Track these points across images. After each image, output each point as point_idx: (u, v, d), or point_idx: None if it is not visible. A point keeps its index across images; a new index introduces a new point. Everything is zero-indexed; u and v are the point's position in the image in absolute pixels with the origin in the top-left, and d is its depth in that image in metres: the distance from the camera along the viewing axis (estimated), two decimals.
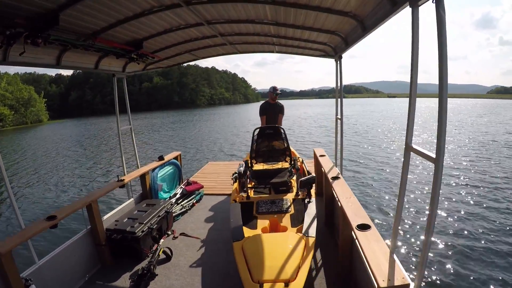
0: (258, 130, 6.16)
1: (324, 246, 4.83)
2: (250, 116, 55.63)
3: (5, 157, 23.58)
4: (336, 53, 5.34)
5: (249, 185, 5.33)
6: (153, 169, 6.62)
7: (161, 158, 7.05)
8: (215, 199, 7.34)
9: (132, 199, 6.07)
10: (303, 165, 6.18)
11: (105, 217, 5.15)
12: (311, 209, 4.27)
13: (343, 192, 4.26)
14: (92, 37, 4.00)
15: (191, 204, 6.87)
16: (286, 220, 4.27)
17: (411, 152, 2.40)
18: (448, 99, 2.02)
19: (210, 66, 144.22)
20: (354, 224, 3.23)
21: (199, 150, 21.89)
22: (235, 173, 5.45)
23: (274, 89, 7.17)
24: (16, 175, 17.36)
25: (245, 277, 3.11)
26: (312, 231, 3.77)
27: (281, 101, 7.43)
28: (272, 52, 6.90)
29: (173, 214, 6.10)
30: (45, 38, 3.27)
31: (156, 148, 23.78)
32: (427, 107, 65.99)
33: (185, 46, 5.84)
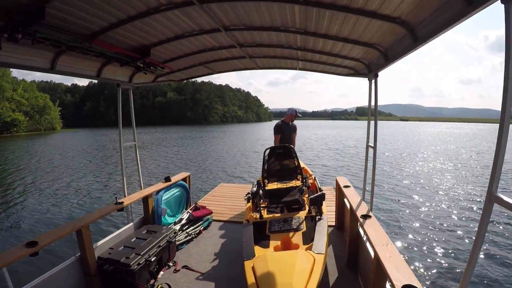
0: (269, 150, 6.03)
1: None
2: (263, 135, 55.47)
3: (10, 163, 23.36)
4: (370, 71, 4.70)
5: (262, 205, 5.26)
6: (158, 191, 5.98)
7: (167, 179, 6.43)
8: (225, 227, 6.67)
9: (131, 223, 5.43)
10: (316, 182, 6.13)
11: (99, 243, 4.58)
12: (321, 226, 4.30)
13: (378, 237, 3.65)
14: (90, 39, 3.42)
15: (197, 231, 6.19)
16: (298, 238, 4.24)
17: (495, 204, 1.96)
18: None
19: (224, 84, 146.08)
20: (397, 283, 2.76)
21: (211, 170, 20.74)
22: (248, 193, 5.45)
23: (296, 112, 7.44)
24: (13, 183, 16.97)
25: None
26: (322, 248, 3.76)
27: (294, 122, 7.50)
28: (295, 69, 6.32)
29: (177, 243, 5.46)
30: (30, 34, 2.74)
31: (164, 166, 22.61)
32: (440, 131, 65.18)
33: (199, 58, 5.29)
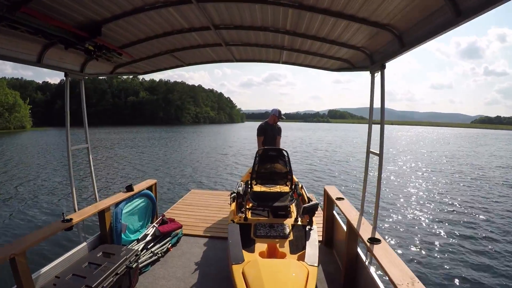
0: (261, 151, 5.66)
1: None
2: (237, 137, 54.95)
3: None
4: (373, 62, 3.99)
5: (247, 206, 5.05)
6: (118, 203, 5.05)
7: (129, 188, 5.47)
8: (196, 243, 5.86)
9: (84, 243, 4.50)
10: (303, 190, 5.70)
11: (43, 270, 3.69)
12: (313, 237, 4.06)
13: (399, 273, 2.97)
14: (16, 7, 2.51)
15: (165, 249, 5.32)
16: (285, 246, 4.01)
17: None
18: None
19: (197, 84, 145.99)
20: None
21: (181, 175, 19.07)
22: (233, 192, 5.29)
23: (279, 113, 7.16)
24: None
25: None
26: (314, 260, 3.53)
27: (279, 123, 7.28)
28: (277, 62, 5.58)
29: (140, 265, 4.60)
30: None
31: (127, 172, 19.75)
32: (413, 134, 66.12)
33: (165, 43, 4.45)
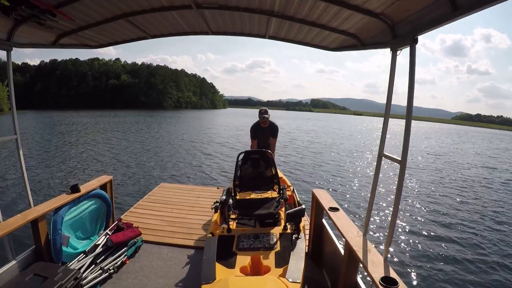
0: (243, 154, 5.30)
1: None
2: (218, 123, 53.42)
3: None
4: (394, 36, 3.04)
5: (232, 216, 4.65)
6: (58, 209, 4.08)
7: (75, 189, 4.46)
8: (159, 253, 4.96)
9: (14, 262, 3.56)
10: (294, 194, 5.33)
11: None
12: (299, 248, 3.66)
13: None
14: None
15: (119, 263, 4.41)
16: (269, 259, 3.54)
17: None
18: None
19: (179, 68, 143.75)
20: None
21: (153, 166, 16.97)
22: (217, 201, 4.82)
23: (260, 112, 6.57)
24: None
25: None
26: (298, 276, 3.13)
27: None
28: (263, 36, 4.64)
29: (86, 286, 3.73)
30: None
31: (86, 167, 16.32)
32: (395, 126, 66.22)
33: (116, 2, 3.44)
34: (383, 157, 3.31)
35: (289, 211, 3.94)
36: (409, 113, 2.68)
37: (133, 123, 46.17)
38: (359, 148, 30.89)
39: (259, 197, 5.11)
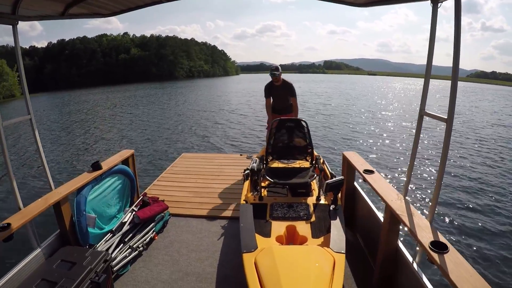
0: (277, 122, 5.09)
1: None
2: (230, 90, 52.99)
3: None
4: None
5: (263, 184, 4.54)
6: (80, 189, 3.84)
7: (96, 166, 4.22)
8: (188, 226, 4.82)
9: (38, 249, 3.32)
10: (325, 165, 5.02)
11: None
12: (339, 219, 3.52)
13: None
14: None
15: (148, 239, 4.24)
16: (305, 229, 3.48)
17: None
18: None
19: (189, 38, 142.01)
20: None
21: (171, 138, 16.42)
22: (247, 169, 4.52)
23: (270, 70, 6.33)
24: None
25: None
26: (341, 246, 3.00)
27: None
28: None
29: (115, 267, 3.56)
30: None
31: (104, 144, 15.90)
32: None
33: None
34: (424, 116, 3.07)
35: (329, 181, 3.78)
36: (456, 70, 2.47)
37: (144, 96, 45.46)
38: (379, 109, 30.33)
39: (292, 166, 4.95)
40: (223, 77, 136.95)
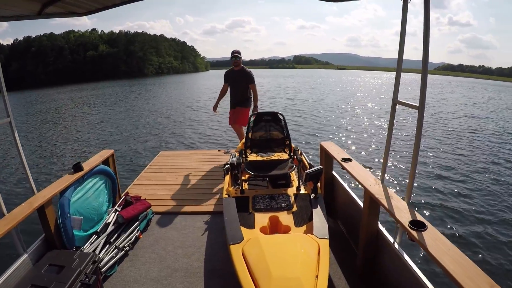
0: (255, 116, 5.21)
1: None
2: (204, 86, 52.30)
3: None
4: None
5: (244, 177, 4.73)
6: (63, 191, 3.76)
7: (77, 167, 4.11)
8: (171, 222, 4.84)
9: (25, 255, 3.21)
10: (303, 156, 5.12)
11: None
12: (320, 206, 3.69)
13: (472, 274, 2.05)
14: None
15: (133, 238, 4.21)
16: (288, 219, 3.61)
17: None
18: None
19: (158, 34, 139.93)
20: None
21: (147, 137, 16.14)
22: (227, 163, 4.69)
23: (232, 53, 6.73)
24: None
25: None
26: (325, 232, 3.16)
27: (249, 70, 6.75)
28: None
29: (103, 268, 3.52)
30: None
31: (78, 146, 14.84)
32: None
33: None
34: (397, 104, 3.21)
35: (308, 170, 3.89)
36: (425, 62, 2.67)
37: (112, 94, 44.14)
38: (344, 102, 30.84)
39: (271, 158, 5.12)
40: (193, 73, 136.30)
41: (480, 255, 6.03)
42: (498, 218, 7.41)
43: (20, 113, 28.22)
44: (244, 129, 6.59)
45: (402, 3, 2.93)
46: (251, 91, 6.89)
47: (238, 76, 6.75)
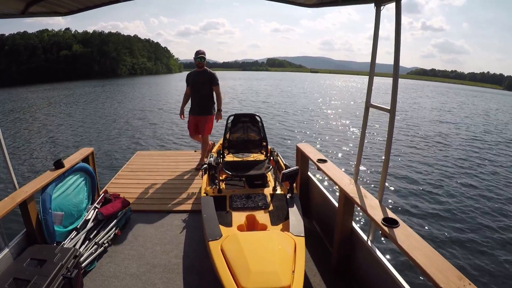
0: (232, 117, 5.23)
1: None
2: (174, 88, 52.10)
3: None
4: None
5: (221, 177, 4.80)
6: (44, 188, 3.81)
7: (59, 164, 4.14)
8: (150, 221, 4.89)
9: (6, 250, 3.26)
10: (280, 158, 5.31)
11: None
12: (296, 206, 3.79)
13: (442, 270, 2.17)
14: None
15: (112, 235, 4.26)
16: (265, 217, 3.68)
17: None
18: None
19: (132, 34, 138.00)
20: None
21: (122, 136, 16.16)
22: (205, 163, 4.82)
23: (196, 53, 6.36)
24: None
25: (228, 285, 2.49)
26: (300, 230, 3.27)
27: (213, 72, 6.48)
28: None
29: (84, 262, 3.59)
30: None
31: (57, 144, 14.99)
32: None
33: None
34: (370, 108, 3.38)
35: (285, 171, 3.98)
36: (396, 67, 2.79)
37: (83, 94, 43.19)
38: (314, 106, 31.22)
39: (248, 159, 5.27)
40: (166, 75, 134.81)
41: (448, 250, 6.43)
42: (464, 216, 7.92)
43: None
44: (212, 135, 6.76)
45: (375, 9, 3.08)
46: (215, 94, 6.56)
47: (202, 77, 6.41)
